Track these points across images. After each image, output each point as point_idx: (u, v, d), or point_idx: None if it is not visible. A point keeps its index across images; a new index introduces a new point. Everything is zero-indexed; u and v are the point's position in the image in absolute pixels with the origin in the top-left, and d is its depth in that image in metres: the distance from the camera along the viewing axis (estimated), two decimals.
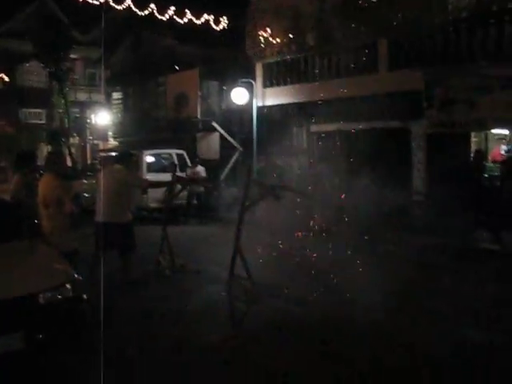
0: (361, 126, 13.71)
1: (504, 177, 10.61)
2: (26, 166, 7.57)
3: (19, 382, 4.84)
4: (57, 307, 5.00)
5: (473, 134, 13.73)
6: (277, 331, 6.26)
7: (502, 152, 15.76)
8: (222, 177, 18.30)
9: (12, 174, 7.97)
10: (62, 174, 6.90)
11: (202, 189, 15.74)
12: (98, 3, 17.24)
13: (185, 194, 14.60)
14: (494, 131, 14.53)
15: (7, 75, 31.12)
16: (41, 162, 8.84)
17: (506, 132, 15.31)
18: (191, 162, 16.25)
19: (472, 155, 13.15)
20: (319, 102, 14.71)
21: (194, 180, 15.41)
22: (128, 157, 8.57)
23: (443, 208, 10.73)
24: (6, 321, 4.66)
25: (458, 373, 5.12)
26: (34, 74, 31.75)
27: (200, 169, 15.73)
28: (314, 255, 9.14)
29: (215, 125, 18.94)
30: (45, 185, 6.74)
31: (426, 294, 7.66)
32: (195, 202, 15.99)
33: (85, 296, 5.31)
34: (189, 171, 15.46)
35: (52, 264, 5.54)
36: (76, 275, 5.34)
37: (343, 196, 10.95)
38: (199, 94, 19.14)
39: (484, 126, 12.47)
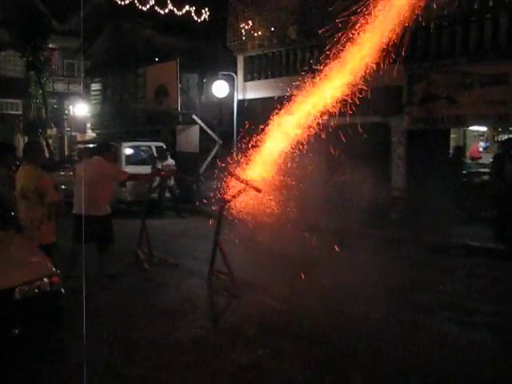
0: (342, 121, 13.69)
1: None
2: (3, 158, 7.34)
3: None
4: (34, 302, 4.89)
5: (452, 131, 13.84)
6: (256, 326, 6.24)
7: (480, 149, 15.95)
8: (202, 170, 18.19)
9: None
10: (40, 164, 6.65)
11: (172, 182, 15.53)
12: None
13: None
14: (473, 128, 14.67)
15: None
16: (18, 153, 8.65)
17: (484, 129, 15.48)
18: (160, 155, 15.80)
19: (451, 151, 13.27)
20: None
21: (175, 172, 15.29)
22: (107, 148, 8.39)
23: (421, 204, 10.83)
24: None
25: None
26: (11, 63, 31.21)
27: (170, 161, 15.49)
28: (294, 250, 9.13)
29: (195, 117, 18.81)
30: (24, 175, 6.48)
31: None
32: (168, 194, 15.79)
33: (63, 290, 5.21)
34: (159, 164, 15.16)
35: (29, 257, 5.42)
36: (54, 269, 5.23)
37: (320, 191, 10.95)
38: (179, 86, 18.96)
39: (463, 122, 12.56)
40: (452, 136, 14.18)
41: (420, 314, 6.60)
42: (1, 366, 4.72)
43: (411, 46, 12.84)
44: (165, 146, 16.78)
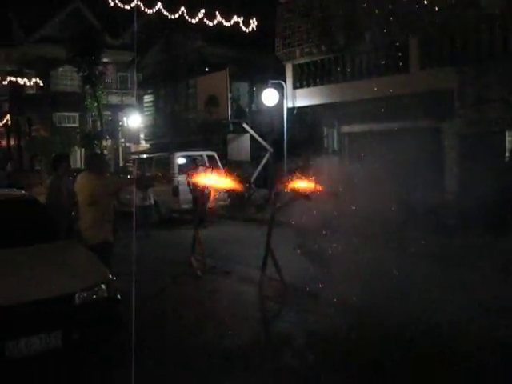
0: (393, 126, 13.57)
1: None
2: (60, 169, 7.68)
3: (56, 381, 4.95)
4: (92, 307, 5.10)
5: (507, 133, 13.48)
6: (307, 332, 6.25)
7: None
8: (253, 178, 18.34)
9: (47, 176, 8.15)
10: (104, 172, 7.01)
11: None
12: (128, 8, 17.47)
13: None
14: None
15: (42, 80, 31.77)
16: (73, 164, 9.04)
17: None
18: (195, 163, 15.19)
19: (508, 155, 12.90)
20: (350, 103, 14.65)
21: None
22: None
23: (476, 208, 10.56)
24: (44, 320, 4.77)
25: None
26: (68, 79, 32.37)
27: (201, 170, 15.47)
28: (347, 256, 9.09)
29: (246, 126, 19.00)
30: (90, 183, 6.64)
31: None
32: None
33: (119, 297, 5.39)
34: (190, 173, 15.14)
35: (88, 265, 5.64)
36: (111, 276, 5.42)
37: (375, 197, 10.85)
38: (229, 95, 19.21)
39: None
40: (509, 139, 13.81)
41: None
42: (60, 368, 4.93)
43: (462, 48, 12.67)
44: (216, 155, 16.99)
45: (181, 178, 15.24)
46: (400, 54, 13.97)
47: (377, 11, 14.11)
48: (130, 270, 7.58)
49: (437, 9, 12.46)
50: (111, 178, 7.57)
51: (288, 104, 17.27)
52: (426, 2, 12.69)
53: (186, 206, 15.31)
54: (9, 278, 4.98)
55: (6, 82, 33.54)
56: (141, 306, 5.58)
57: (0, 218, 6.26)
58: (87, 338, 5.00)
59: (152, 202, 13.76)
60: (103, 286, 5.26)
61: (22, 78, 32.65)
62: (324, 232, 10.07)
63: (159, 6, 18.16)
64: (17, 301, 4.73)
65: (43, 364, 4.74)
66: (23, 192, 8.19)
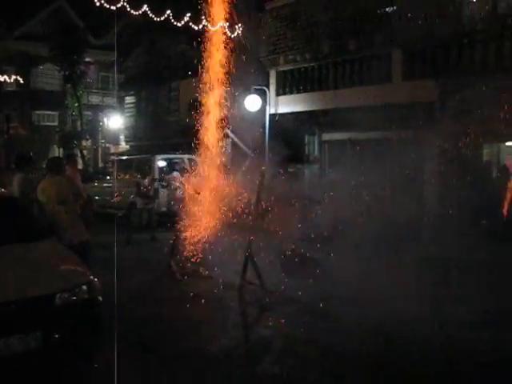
0: (374, 136, 13.72)
1: None
2: (27, 167, 7.95)
3: (35, 382, 4.92)
4: (73, 308, 5.06)
5: (485, 146, 13.72)
6: (287, 337, 6.29)
7: None
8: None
9: (12, 174, 8.44)
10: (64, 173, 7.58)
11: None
12: (114, 8, 17.39)
13: None
14: (508, 143, 14.51)
15: (22, 77, 31.42)
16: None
17: None
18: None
19: (497, 172, 13.11)
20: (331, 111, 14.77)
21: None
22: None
23: (453, 219, 10.72)
24: (24, 320, 4.73)
25: None
26: (49, 77, 32.07)
27: (176, 174, 15.52)
28: (327, 262, 9.16)
29: (227, 131, 18.99)
30: (57, 184, 7.07)
31: None
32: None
33: (100, 298, 5.37)
34: (166, 176, 15.37)
35: (69, 265, 5.60)
36: (92, 277, 5.39)
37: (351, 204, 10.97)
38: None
39: (498, 138, 12.45)
40: (486, 151, 14.05)
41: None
42: (40, 369, 4.89)
43: (443, 62, 12.88)
44: (197, 159, 16.94)
45: (160, 181, 15.29)
46: (383, 65, 14.16)
47: (361, 22, 14.30)
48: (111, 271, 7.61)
49: (420, 22, 12.68)
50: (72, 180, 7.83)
51: (270, 110, 17.35)
52: (409, 16, 12.90)
53: (164, 209, 15.32)
54: None
55: None
56: (120, 309, 5.59)
57: None
58: (68, 339, 4.96)
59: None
60: (84, 287, 5.22)
61: (2, 74, 32.25)
62: (304, 239, 10.16)
63: (145, 7, 18.10)
64: None
65: (23, 364, 4.69)
66: (2, 190, 8.13)
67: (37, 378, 4.88)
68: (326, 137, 16.04)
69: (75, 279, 5.27)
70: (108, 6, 17.12)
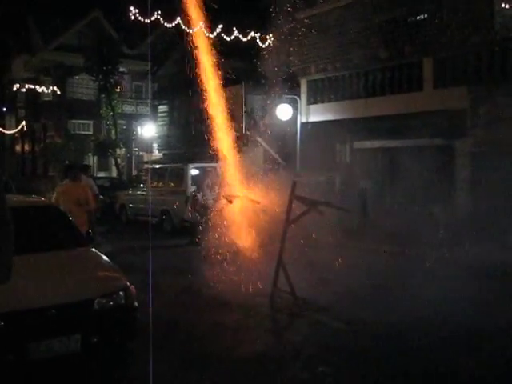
0: (405, 144, 13.71)
1: None
2: (70, 176, 9.37)
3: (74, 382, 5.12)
4: (110, 313, 5.27)
5: None
6: (317, 344, 6.36)
7: None
8: None
9: (56, 181, 9.76)
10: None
11: None
12: (148, 21, 17.79)
13: None
14: None
15: (58, 88, 32.16)
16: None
17: None
18: None
19: None
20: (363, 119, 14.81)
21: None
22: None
23: (486, 226, 10.65)
24: (65, 323, 4.95)
25: None
26: (84, 87, 32.71)
27: (208, 182, 15.48)
28: (358, 271, 9.22)
29: (259, 139, 19.17)
30: (78, 188, 9.15)
31: None
32: None
33: (136, 304, 5.56)
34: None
35: (107, 272, 5.82)
36: (128, 283, 5.58)
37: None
38: (244, 108, 19.44)
39: None
40: None
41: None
42: (78, 370, 5.10)
43: (474, 69, 12.83)
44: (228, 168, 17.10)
45: (193, 189, 15.50)
46: (414, 73, 14.16)
47: (392, 30, 14.33)
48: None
49: (451, 30, 12.66)
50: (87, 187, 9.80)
51: (302, 119, 17.46)
52: (440, 24, 12.89)
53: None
54: (31, 283, 5.14)
55: (24, 90, 34.04)
56: (154, 314, 5.75)
57: (22, 224, 6.42)
58: (105, 342, 5.16)
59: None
60: (121, 293, 5.43)
61: (40, 85, 33.08)
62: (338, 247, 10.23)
63: (178, 19, 18.44)
64: (39, 305, 4.91)
65: (63, 366, 4.90)
66: (43, 199, 8.43)
67: (75, 379, 5.08)
68: (358, 145, 16.08)
69: (112, 285, 5.49)
70: (142, 19, 17.50)
